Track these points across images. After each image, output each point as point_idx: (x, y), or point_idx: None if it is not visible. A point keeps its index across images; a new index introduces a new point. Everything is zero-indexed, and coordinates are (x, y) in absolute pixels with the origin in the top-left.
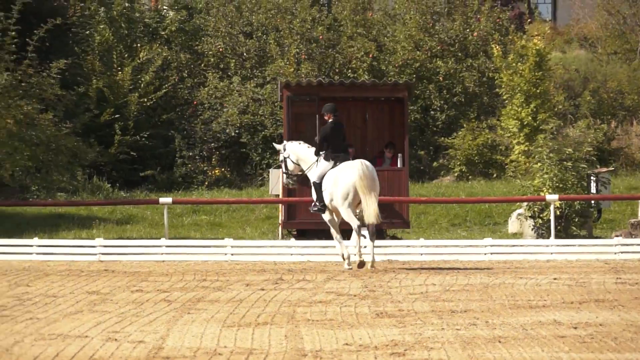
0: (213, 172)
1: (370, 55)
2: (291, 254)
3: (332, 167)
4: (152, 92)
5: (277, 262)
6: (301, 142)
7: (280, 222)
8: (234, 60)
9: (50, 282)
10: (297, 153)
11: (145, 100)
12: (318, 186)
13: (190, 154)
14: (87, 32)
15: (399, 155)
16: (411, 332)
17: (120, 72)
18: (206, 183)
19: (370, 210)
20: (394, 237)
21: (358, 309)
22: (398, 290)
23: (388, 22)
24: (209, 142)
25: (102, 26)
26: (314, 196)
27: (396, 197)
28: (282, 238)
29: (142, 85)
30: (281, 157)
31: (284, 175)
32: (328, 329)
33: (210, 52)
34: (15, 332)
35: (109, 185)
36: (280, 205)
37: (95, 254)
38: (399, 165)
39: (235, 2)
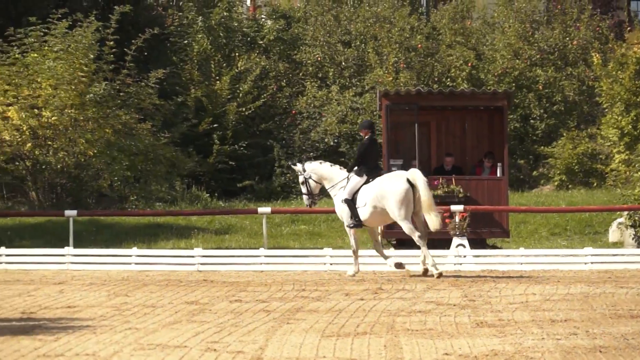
0: None
1: (469, 64)
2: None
3: (365, 183)
4: (250, 101)
5: (376, 271)
6: (321, 161)
7: (379, 231)
8: (332, 69)
9: (149, 292)
10: (320, 172)
11: (244, 109)
12: (350, 202)
13: (289, 163)
14: (185, 41)
15: (499, 164)
16: (511, 342)
17: (218, 82)
18: None
19: (434, 217)
20: (493, 247)
21: (458, 319)
22: (498, 300)
23: (487, 30)
24: (308, 152)
25: (200, 35)
26: (342, 212)
27: (496, 206)
28: (382, 247)
29: (240, 94)
30: (301, 179)
31: (305, 197)
32: (427, 339)
33: (309, 61)
34: (114, 342)
35: (208, 195)
36: None
37: (194, 264)
38: (498, 175)
39: (334, 11)
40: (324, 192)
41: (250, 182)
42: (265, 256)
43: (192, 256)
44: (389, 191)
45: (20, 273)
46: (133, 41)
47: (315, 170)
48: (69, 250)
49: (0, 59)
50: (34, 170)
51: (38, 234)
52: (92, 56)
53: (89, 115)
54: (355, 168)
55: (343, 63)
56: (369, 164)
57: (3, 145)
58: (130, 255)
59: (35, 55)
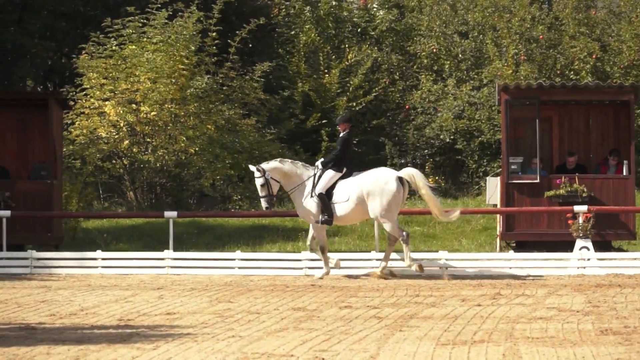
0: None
1: (594, 56)
2: (510, 267)
3: (341, 178)
4: (361, 95)
5: (494, 275)
6: (281, 159)
7: (498, 233)
8: (448, 62)
9: (254, 298)
10: (283, 171)
11: (354, 104)
12: (325, 197)
13: (402, 161)
14: (292, 32)
15: (625, 162)
16: (638, 350)
17: (327, 75)
18: None
19: (437, 206)
20: (619, 249)
21: (581, 326)
22: (624, 306)
23: (613, 20)
24: (422, 149)
25: (307, 26)
26: (311, 208)
27: (622, 206)
28: (500, 250)
29: (350, 88)
30: (262, 181)
31: (264, 200)
32: (549, 347)
33: (424, 53)
34: (217, 351)
35: None
36: (498, 215)
37: (302, 268)
38: (624, 173)
39: (450, 0)
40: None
41: None
42: (377, 260)
43: (299, 260)
44: (381, 189)
45: (117, 278)
46: (237, 32)
47: (278, 169)
48: (169, 253)
49: (97, 51)
50: (132, 169)
51: (136, 237)
52: (193, 48)
53: (190, 110)
54: (332, 163)
55: (460, 55)
56: (346, 159)
57: (99, 143)
58: (233, 259)
59: (134, 47)
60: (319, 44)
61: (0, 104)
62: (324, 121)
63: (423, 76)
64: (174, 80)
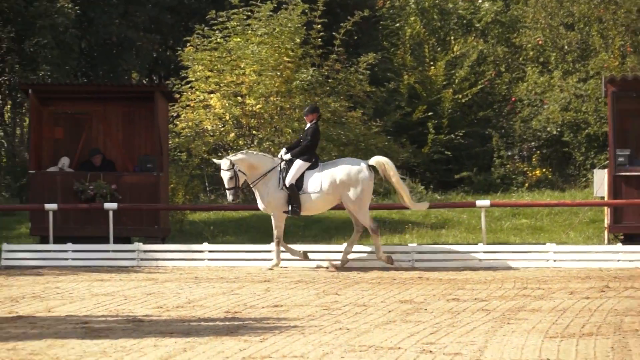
0: (533, 172)
1: None
2: (618, 260)
3: (309, 168)
4: (467, 88)
5: (602, 268)
6: (246, 150)
7: (606, 226)
8: (554, 54)
9: (361, 291)
10: (250, 162)
11: (460, 96)
12: (294, 187)
13: (509, 153)
14: (397, 24)
15: None
16: None
17: (432, 67)
18: (526, 185)
19: (407, 195)
20: None
21: None
22: None
23: None
24: (529, 141)
25: (413, 18)
26: (278, 199)
27: None
28: (608, 243)
29: (456, 80)
30: (230, 174)
31: (231, 192)
32: None
33: (529, 45)
34: (324, 344)
35: (423, 187)
36: (606, 208)
37: (408, 261)
38: None
39: None
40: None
41: (467, 173)
42: (484, 252)
43: (407, 252)
44: (355, 179)
45: (224, 270)
46: (342, 24)
47: (244, 160)
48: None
49: (202, 43)
50: None
51: (242, 229)
52: (298, 40)
53: (295, 103)
54: (301, 153)
55: (566, 47)
56: (315, 149)
57: (205, 136)
58: (339, 252)
59: (239, 39)
60: (424, 36)
61: (106, 97)
62: (429, 113)
63: (529, 68)
64: (279, 73)
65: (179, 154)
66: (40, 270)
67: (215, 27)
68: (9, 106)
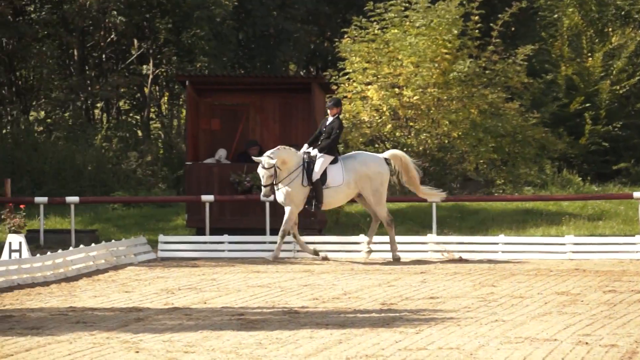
0: None
1: None
2: None
3: (332, 163)
4: (625, 79)
5: None
6: (279, 146)
7: None
8: None
9: (517, 282)
10: (284, 157)
11: (618, 87)
12: (320, 183)
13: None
14: (555, 15)
15: None
16: None
17: (590, 59)
18: None
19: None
20: None
21: None
22: None
23: None
24: None
25: (570, 9)
26: (301, 195)
27: None
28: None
29: (614, 72)
30: (272, 172)
31: (266, 188)
32: None
33: None
34: (480, 335)
35: (580, 178)
36: None
37: (565, 252)
38: None
39: None
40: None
41: (625, 164)
42: (635, 244)
43: (563, 244)
44: (375, 173)
45: (380, 261)
46: (499, 16)
47: (280, 156)
48: (431, 237)
49: (360, 35)
50: None
51: (399, 220)
52: (455, 32)
53: (452, 94)
54: (328, 148)
55: None
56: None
57: (362, 127)
58: (496, 243)
59: (396, 31)
60: (582, 27)
61: (263, 88)
62: (587, 105)
63: None
64: (436, 65)
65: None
66: (196, 261)
67: (372, 19)
68: (166, 98)
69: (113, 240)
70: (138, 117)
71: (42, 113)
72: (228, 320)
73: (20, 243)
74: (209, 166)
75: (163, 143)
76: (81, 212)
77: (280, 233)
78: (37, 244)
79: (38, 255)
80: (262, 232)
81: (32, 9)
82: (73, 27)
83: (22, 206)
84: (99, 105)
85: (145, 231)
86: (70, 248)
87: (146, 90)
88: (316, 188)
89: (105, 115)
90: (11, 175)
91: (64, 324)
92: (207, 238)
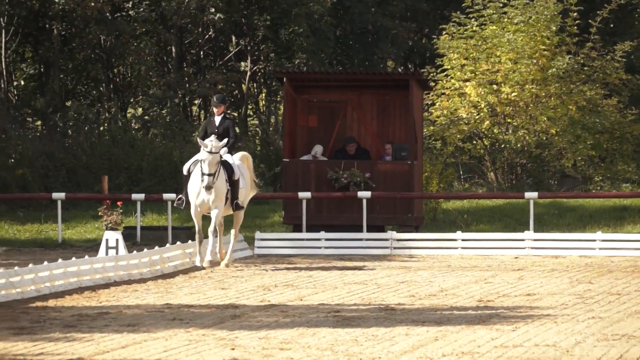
0: None
1: None
2: None
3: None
4: None
5: None
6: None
7: None
8: None
9: (614, 279)
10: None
11: None
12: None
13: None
14: None
15: None
16: None
17: None
18: None
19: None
20: None
21: None
22: None
23: None
24: None
25: None
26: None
27: None
28: None
29: None
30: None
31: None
32: None
33: None
34: (576, 332)
35: None
36: None
37: None
38: None
39: None
40: None
41: None
42: None
43: None
44: (243, 170)
45: (477, 258)
46: (598, 12)
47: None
48: (529, 234)
49: (458, 31)
50: (493, 150)
51: (496, 217)
52: (554, 28)
53: (551, 91)
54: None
55: None
56: None
57: (460, 124)
58: (594, 240)
59: (494, 27)
60: None
61: (361, 85)
62: None
63: None
64: (534, 61)
65: (433, 142)
66: (292, 258)
67: (471, 15)
68: (263, 94)
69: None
70: (236, 114)
71: (140, 110)
72: (324, 317)
73: (117, 240)
74: (306, 163)
75: (260, 140)
76: (178, 209)
77: (213, 233)
78: (134, 240)
79: (135, 252)
80: (359, 229)
81: (130, 6)
82: (171, 24)
83: (119, 203)
84: (196, 102)
85: (242, 228)
86: (167, 245)
87: (244, 87)
88: (236, 187)
89: (202, 112)
90: (108, 172)
91: (159, 320)
92: (304, 235)
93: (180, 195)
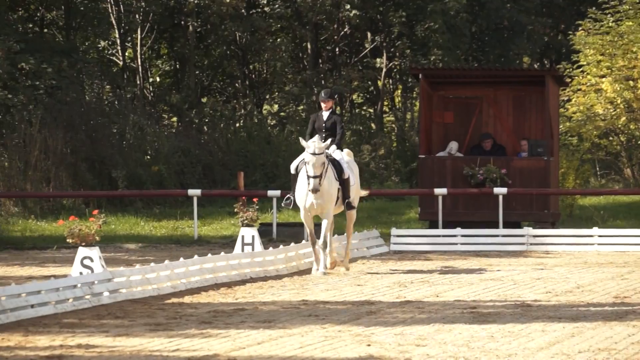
0: None
1: None
2: None
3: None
4: None
5: None
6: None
7: None
8: None
9: None
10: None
11: None
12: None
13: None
14: None
15: None
16: None
17: None
18: None
19: None
20: None
21: None
22: None
23: None
24: None
25: None
26: (334, 194)
27: None
28: None
29: None
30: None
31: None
32: None
33: None
34: None
35: None
36: None
37: None
38: None
39: None
40: None
41: None
42: None
43: None
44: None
45: (614, 255)
46: None
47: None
48: None
49: (594, 27)
50: (629, 146)
51: (633, 213)
52: None
53: None
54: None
55: None
56: None
57: (596, 120)
58: None
59: (631, 23)
60: None
61: (496, 81)
62: None
63: None
64: None
65: (569, 138)
66: (428, 254)
67: (607, 11)
68: (399, 90)
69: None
70: (371, 111)
71: (276, 107)
72: (460, 314)
73: (253, 236)
74: (441, 159)
75: (396, 136)
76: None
77: (323, 243)
78: (270, 237)
79: (270, 248)
80: (495, 225)
81: (265, 2)
82: (307, 20)
83: (255, 200)
84: None
85: (378, 224)
86: (303, 241)
87: (379, 83)
88: (347, 186)
89: (338, 108)
90: (244, 169)
91: (295, 317)
92: (440, 231)
93: (288, 195)
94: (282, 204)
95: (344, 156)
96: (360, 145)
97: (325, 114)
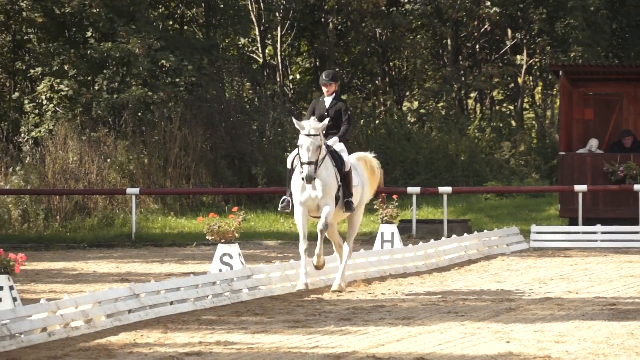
0: None
1: None
2: None
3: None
4: None
5: None
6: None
7: None
8: None
9: None
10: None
11: None
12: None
13: None
14: None
15: None
16: None
17: None
18: None
19: None
20: None
21: None
22: None
23: None
24: None
25: None
26: (334, 186)
27: None
28: None
29: None
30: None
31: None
32: None
33: None
34: None
35: None
36: None
37: None
38: None
39: None
40: None
41: None
42: None
43: None
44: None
45: None
46: None
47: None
48: None
49: None
50: None
51: None
52: None
53: None
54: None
55: None
56: None
57: None
58: None
59: None
60: None
61: (637, 78)
62: None
63: None
64: None
65: None
66: (568, 251)
67: None
68: (539, 87)
69: (485, 230)
70: (511, 107)
71: (416, 103)
72: (599, 310)
73: (392, 233)
74: (582, 156)
75: (536, 133)
76: (454, 202)
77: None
78: (409, 234)
79: (410, 245)
80: (635, 222)
81: (406, 0)
82: (447, 17)
83: (394, 196)
84: (472, 95)
85: (518, 221)
86: (443, 238)
87: (519, 80)
88: (348, 181)
89: (478, 105)
90: (384, 166)
91: (434, 313)
92: (580, 228)
93: (283, 197)
94: (279, 209)
95: (351, 159)
96: (500, 142)
97: (327, 100)
